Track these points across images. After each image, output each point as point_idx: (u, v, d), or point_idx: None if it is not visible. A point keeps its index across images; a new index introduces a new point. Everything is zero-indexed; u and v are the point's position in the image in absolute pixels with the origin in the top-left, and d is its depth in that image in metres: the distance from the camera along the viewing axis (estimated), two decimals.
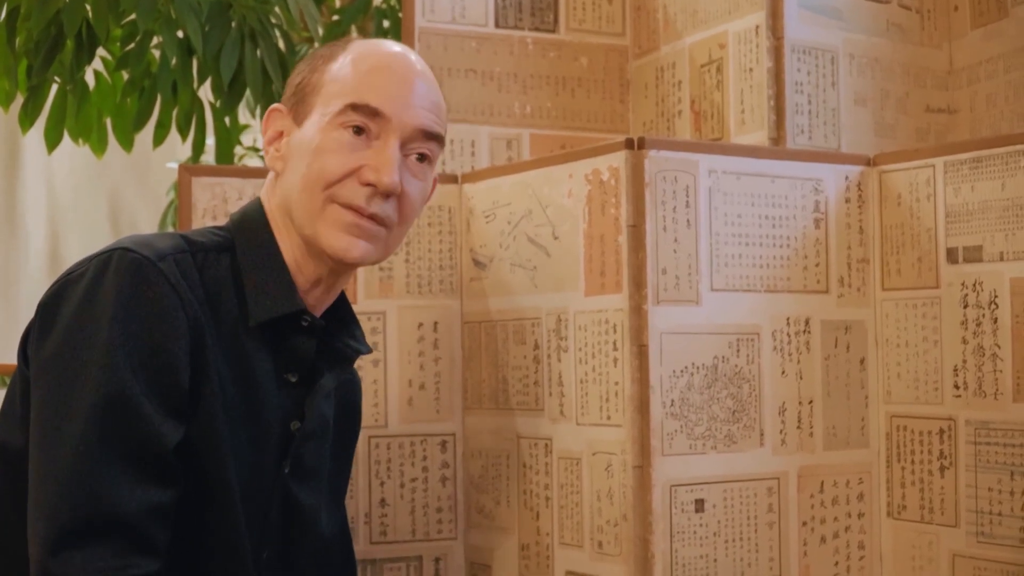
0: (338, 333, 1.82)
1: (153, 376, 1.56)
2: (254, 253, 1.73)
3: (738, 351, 2.04)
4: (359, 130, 1.70)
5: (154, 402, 1.55)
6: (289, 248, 1.74)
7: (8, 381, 1.66)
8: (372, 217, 1.71)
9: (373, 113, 1.70)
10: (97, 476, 1.50)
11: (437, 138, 1.76)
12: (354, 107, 1.70)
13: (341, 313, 1.84)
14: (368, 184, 1.70)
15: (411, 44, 2.53)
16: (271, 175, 1.78)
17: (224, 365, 1.66)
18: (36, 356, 1.59)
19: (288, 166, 1.73)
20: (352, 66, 1.73)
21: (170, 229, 4.47)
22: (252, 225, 1.75)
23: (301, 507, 1.79)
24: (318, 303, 1.78)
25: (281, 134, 1.76)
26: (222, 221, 2.10)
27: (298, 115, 1.74)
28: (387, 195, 1.70)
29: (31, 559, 1.51)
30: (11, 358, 1.75)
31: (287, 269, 1.73)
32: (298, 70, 1.78)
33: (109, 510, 1.50)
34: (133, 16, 2.83)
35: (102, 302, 1.55)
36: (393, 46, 1.80)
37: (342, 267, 1.75)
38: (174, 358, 1.58)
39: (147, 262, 1.58)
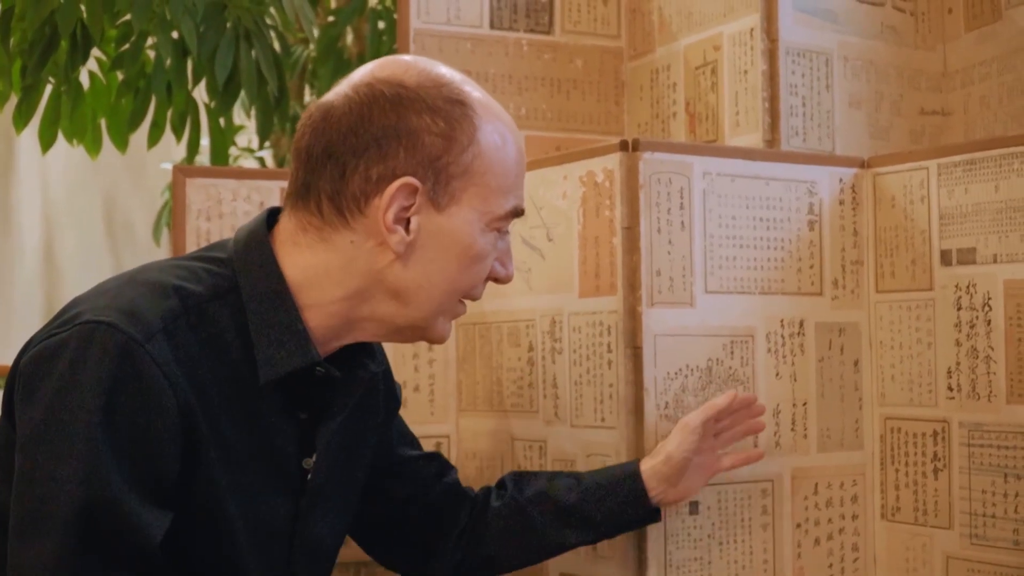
0: (355, 356, 1.71)
1: (137, 468, 1.47)
2: (262, 300, 1.59)
3: (732, 353, 2.04)
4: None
5: (137, 496, 1.46)
6: (337, 307, 1.61)
7: (5, 384, 1.60)
8: None
9: (522, 213, 1.68)
10: None
11: None
12: (516, 212, 1.65)
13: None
14: (495, 279, 1.69)
15: (406, 45, 2.53)
16: (345, 235, 1.59)
17: (229, 424, 1.57)
18: (20, 423, 1.50)
19: (419, 255, 1.59)
20: (506, 156, 1.62)
21: (164, 230, 4.47)
22: (259, 267, 1.60)
23: (320, 540, 1.74)
24: (336, 345, 1.68)
25: (408, 208, 1.57)
26: (215, 222, 2.10)
27: (439, 199, 1.58)
28: None
29: None
30: (6, 359, 1.72)
31: (300, 317, 1.59)
32: (426, 133, 1.57)
33: None
34: (128, 16, 2.84)
35: (83, 387, 1.45)
36: (510, 119, 1.67)
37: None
38: (160, 448, 1.49)
39: (133, 344, 1.46)
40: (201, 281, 1.58)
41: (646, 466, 1.90)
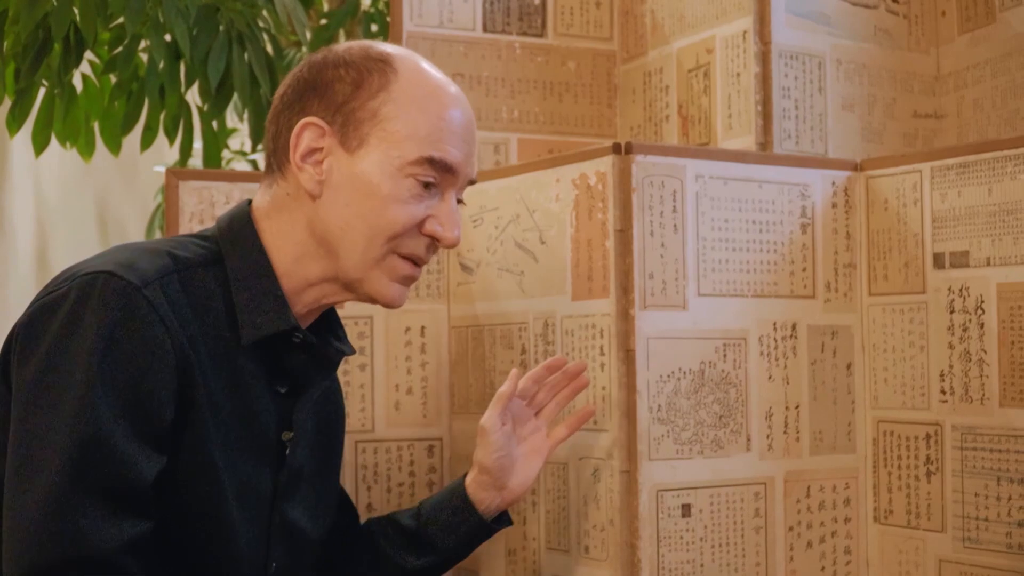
0: (325, 336, 1.80)
1: (133, 409, 1.51)
2: (244, 268, 1.67)
3: (725, 356, 2.04)
4: (427, 184, 1.68)
5: (131, 436, 1.51)
6: (302, 269, 1.70)
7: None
8: (421, 263, 1.72)
9: (447, 170, 1.69)
10: (69, 515, 1.47)
11: (473, 183, 1.78)
12: (431, 161, 1.67)
13: (325, 313, 1.81)
14: (432, 237, 1.70)
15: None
16: (283, 187, 1.71)
17: (216, 382, 1.62)
18: (16, 382, 1.55)
19: (337, 197, 1.67)
20: (421, 109, 1.68)
21: (158, 233, 4.47)
22: (241, 238, 1.70)
23: (297, 515, 1.78)
24: (311, 317, 1.76)
25: (317, 151, 1.68)
26: (209, 224, 2.10)
27: (347, 140, 1.67)
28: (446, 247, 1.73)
29: None
30: None
31: (279, 285, 1.68)
32: (332, 79, 1.69)
33: (83, 550, 1.47)
34: (121, 19, 2.84)
35: (85, 330, 1.51)
36: (448, 84, 1.74)
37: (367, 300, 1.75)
38: (156, 389, 1.54)
39: (132, 289, 1.53)
40: (189, 250, 1.67)
41: (468, 478, 1.96)
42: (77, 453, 1.47)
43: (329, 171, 1.67)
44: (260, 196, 1.75)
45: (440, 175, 1.69)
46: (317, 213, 1.68)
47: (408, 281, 1.73)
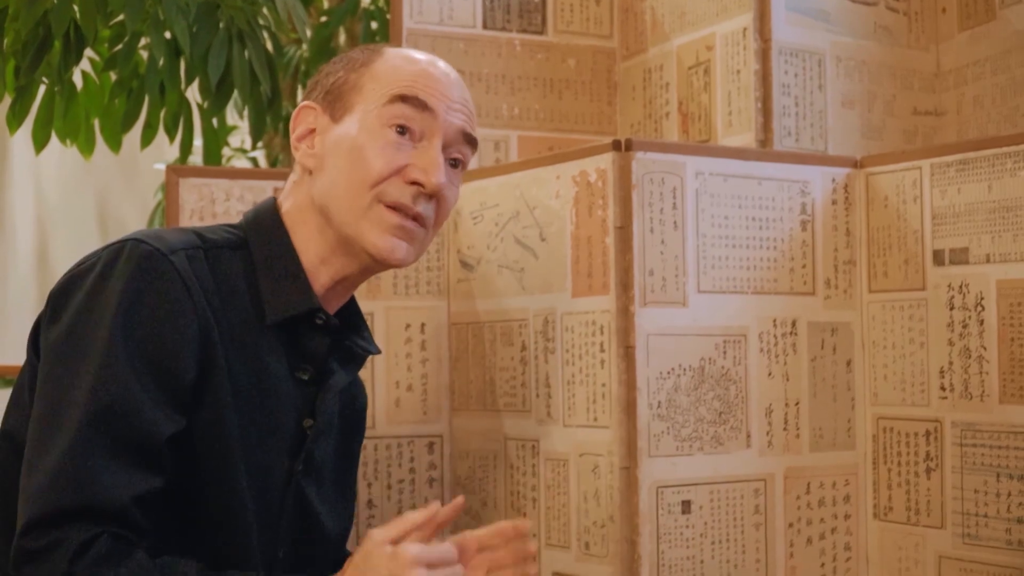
0: (349, 333, 1.82)
1: (153, 368, 1.55)
2: (268, 252, 1.72)
3: (725, 353, 2.04)
4: (403, 130, 1.70)
5: (151, 392, 1.54)
6: (315, 246, 1.74)
7: (4, 382, 1.64)
8: (415, 218, 1.71)
9: (422, 106, 1.71)
10: (84, 463, 1.50)
11: (473, 142, 1.78)
12: (403, 98, 1.71)
13: (351, 313, 1.84)
14: (414, 183, 1.70)
15: (398, 45, 2.52)
16: (296, 174, 1.78)
17: (237, 361, 1.65)
18: (44, 343, 1.60)
19: (325, 164, 1.72)
20: (396, 66, 1.74)
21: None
22: (265, 225, 1.75)
23: (312, 505, 1.78)
24: (334, 302, 1.78)
25: (312, 132, 1.76)
26: (209, 222, 2.12)
27: (335, 112, 1.74)
28: (431, 196, 1.71)
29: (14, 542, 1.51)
30: (3, 358, 1.74)
31: (302, 268, 1.72)
32: (329, 71, 1.79)
33: (93, 497, 1.49)
34: (121, 17, 2.83)
35: (110, 291, 1.56)
36: (428, 55, 1.80)
37: (376, 267, 1.76)
38: (178, 350, 1.57)
39: (158, 253, 1.58)
40: (217, 233, 1.72)
41: None
42: (96, 406, 1.51)
43: (321, 144, 1.74)
44: (284, 189, 1.81)
45: (416, 114, 1.71)
46: (314, 186, 1.73)
47: (401, 232, 1.71)
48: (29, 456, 1.53)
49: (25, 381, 1.64)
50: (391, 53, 1.77)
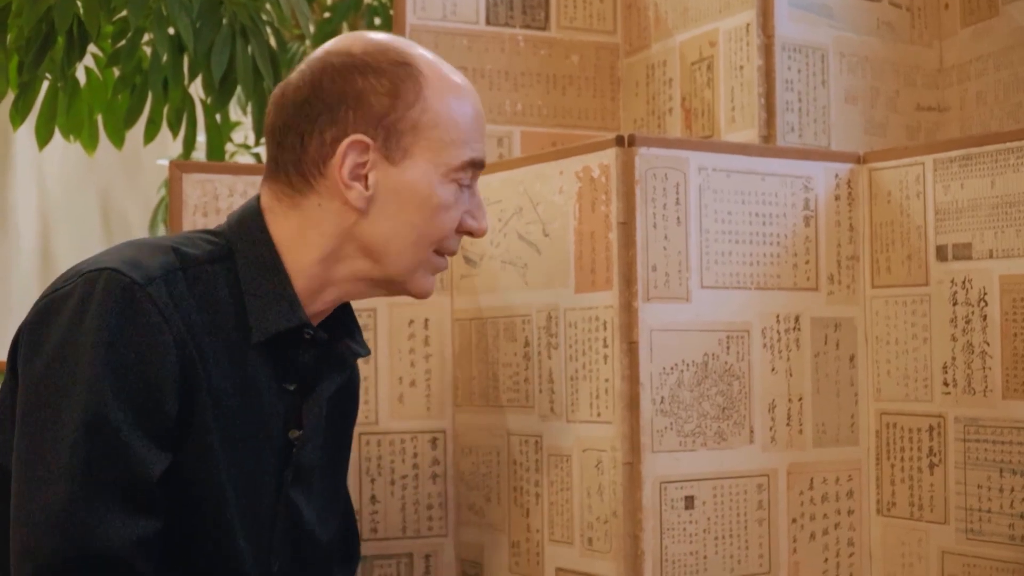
0: (338, 336, 1.80)
1: (138, 406, 1.53)
2: (254, 266, 1.68)
3: (728, 348, 2.04)
4: (465, 185, 1.72)
5: (138, 432, 1.52)
6: (321, 269, 1.70)
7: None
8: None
9: (480, 166, 1.75)
10: (81, 512, 1.48)
11: None
12: (473, 163, 1.72)
13: (341, 314, 1.82)
14: (468, 232, 1.75)
15: None
16: (320, 198, 1.69)
17: (224, 379, 1.63)
18: (23, 378, 1.56)
19: (381, 208, 1.68)
20: (453, 112, 1.70)
21: (161, 226, 4.47)
22: (252, 236, 1.70)
23: (303, 515, 1.77)
24: (327, 311, 1.77)
25: (361, 166, 1.67)
26: (212, 218, 2.11)
27: (391, 153, 1.67)
28: None
29: None
30: (4, 355, 1.73)
31: (290, 282, 1.69)
32: (372, 93, 1.67)
33: (94, 546, 1.48)
34: (124, 13, 2.84)
35: (88, 328, 1.52)
36: (461, 77, 1.76)
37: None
38: (160, 387, 1.55)
39: (136, 287, 1.54)
40: (198, 247, 1.67)
41: None
42: (86, 448, 1.49)
43: (375, 185, 1.67)
44: (269, 196, 1.73)
45: (474, 172, 1.74)
46: (360, 224, 1.69)
47: (440, 271, 1.79)
48: (20, 501, 1.51)
49: (7, 408, 1.61)
50: (437, 81, 1.70)
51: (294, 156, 1.69)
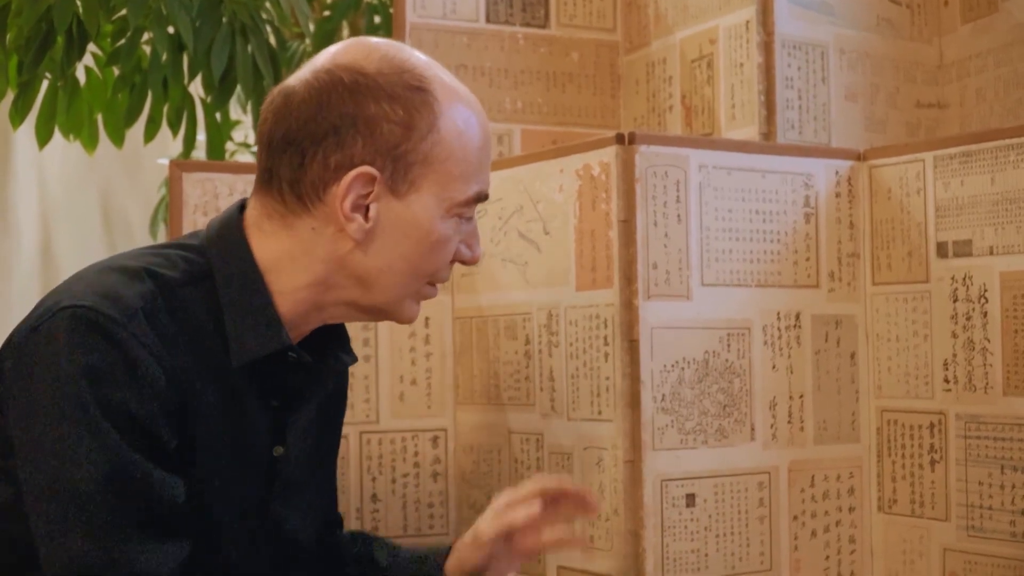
0: (327, 346, 1.74)
1: (143, 441, 1.50)
2: (235, 287, 1.61)
3: (729, 346, 2.04)
4: (467, 217, 1.67)
5: (151, 466, 1.50)
6: (308, 294, 1.64)
7: None
8: None
9: (486, 198, 1.68)
10: (119, 549, 1.47)
11: None
12: (479, 197, 1.65)
13: (331, 327, 1.76)
14: (461, 261, 1.69)
15: (402, 40, 2.52)
16: (314, 221, 1.61)
17: (208, 403, 1.59)
18: (17, 428, 1.52)
19: (379, 240, 1.60)
20: (465, 144, 1.62)
21: (161, 225, 4.47)
22: (233, 255, 1.63)
23: (287, 524, 1.75)
24: (309, 331, 1.72)
25: (366, 196, 1.59)
26: (212, 217, 2.10)
27: (397, 185, 1.59)
28: None
29: None
30: None
31: (273, 303, 1.61)
32: (384, 121, 1.57)
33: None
34: (124, 12, 2.84)
35: (75, 376, 1.46)
36: (475, 102, 1.66)
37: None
38: (158, 418, 1.51)
39: (115, 326, 1.49)
40: (176, 267, 1.60)
41: (449, 562, 1.84)
42: (111, 490, 1.47)
43: (376, 218, 1.59)
44: (258, 211, 1.65)
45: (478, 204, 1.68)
46: (354, 255, 1.61)
47: (429, 299, 1.72)
48: (51, 554, 1.49)
49: None
50: (450, 109, 1.61)
51: (291, 174, 1.60)
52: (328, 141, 1.57)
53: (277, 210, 1.62)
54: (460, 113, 1.63)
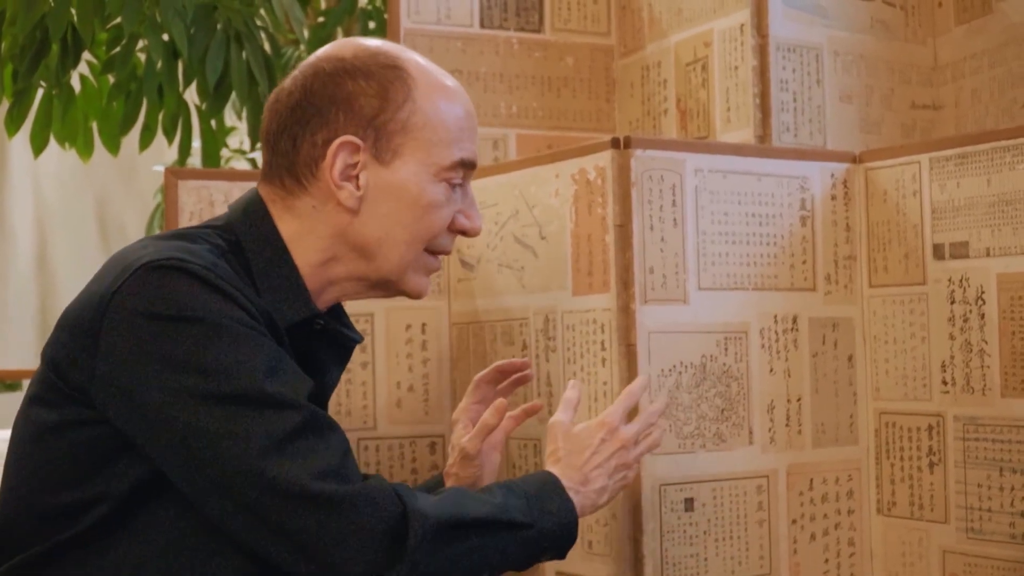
0: (337, 325, 1.81)
1: (270, 358, 1.57)
2: (265, 259, 1.69)
3: (726, 349, 2.04)
4: (456, 185, 1.74)
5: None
6: (328, 271, 1.72)
7: (4, 386, 1.60)
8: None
9: (472, 166, 1.76)
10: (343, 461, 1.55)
11: None
12: (463, 163, 1.73)
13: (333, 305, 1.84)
14: (461, 232, 1.77)
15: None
16: (313, 200, 1.70)
17: None
18: (147, 398, 1.53)
19: (373, 208, 1.70)
20: (447, 112, 1.72)
21: (157, 232, 4.48)
22: (260, 231, 1.71)
23: None
24: (324, 310, 1.78)
25: (352, 167, 1.69)
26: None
27: (381, 153, 1.69)
28: None
29: (241, 475, 1.51)
30: (3, 362, 1.72)
31: (299, 274, 1.70)
32: (361, 95, 1.69)
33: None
34: (118, 20, 2.84)
35: (207, 322, 1.52)
36: (451, 79, 1.77)
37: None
38: (281, 352, 1.60)
39: (206, 271, 1.54)
40: (212, 239, 1.68)
41: (448, 483, 1.95)
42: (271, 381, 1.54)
43: (366, 185, 1.69)
44: (269, 194, 1.74)
45: (466, 172, 1.75)
46: (352, 225, 1.71)
47: (433, 272, 1.79)
48: (259, 483, 1.51)
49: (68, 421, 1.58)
50: (425, 83, 1.72)
51: (287, 159, 1.71)
52: (314, 122, 1.70)
53: (280, 195, 1.73)
54: (434, 85, 1.73)
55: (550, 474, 1.75)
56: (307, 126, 1.70)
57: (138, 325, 1.53)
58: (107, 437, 1.56)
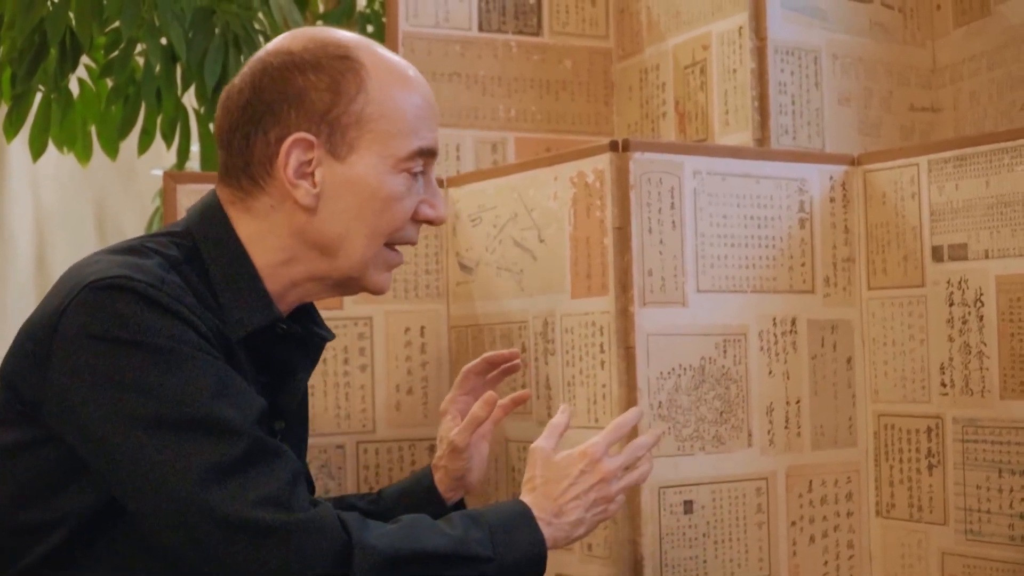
0: (306, 325, 1.79)
1: (221, 380, 1.55)
2: (225, 266, 1.66)
3: (725, 352, 2.04)
4: (417, 174, 1.70)
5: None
6: (288, 272, 1.69)
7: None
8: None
9: (432, 154, 1.72)
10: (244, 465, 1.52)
11: None
12: (421, 152, 1.69)
13: (303, 304, 1.81)
14: (426, 221, 1.73)
15: (395, 48, 2.53)
16: (271, 199, 1.67)
17: None
18: (89, 417, 1.51)
19: (330, 205, 1.66)
20: (398, 101, 1.68)
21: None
22: (218, 235, 1.68)
23: None
24: (288, 311, 1.76)
25: (306, 164, 1.65)
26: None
27: (335, 148, 1.65)
28: None
29: (173, 500, 1.49)
30: None
31: (259, 278, 1.67)
32: (312, 90, 1.65)
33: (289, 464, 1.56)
34: (117, 24, 2.84)
35: (152, 345, 1.50)
36: (408, 67, 1.73)
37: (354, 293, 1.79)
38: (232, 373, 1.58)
39: (153, 289, 1.51)
40: (168, 248, 1.64)
41: (437, 477, 1.97)
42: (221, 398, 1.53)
43: (322, 182, 1.66)
44: (228, 195, 1.71)
45: (426, 161, 1.71)
46: (311, 223, 1.67)
47: (395, 267, 1.76)
48: (174, 480, 1.50)
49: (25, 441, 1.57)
50: (379, 73, 1.68)
51: (242, 159, 1.68)
52: (266, 119, 1.65)
53: (238, 196, 1.69)
54: (389, 74, 1.69)
55: (522, 503, 1.72)
56: (259, 124, 1.66)
57: (84, 346, 1.51)
58: (64, 458, 1.54)
